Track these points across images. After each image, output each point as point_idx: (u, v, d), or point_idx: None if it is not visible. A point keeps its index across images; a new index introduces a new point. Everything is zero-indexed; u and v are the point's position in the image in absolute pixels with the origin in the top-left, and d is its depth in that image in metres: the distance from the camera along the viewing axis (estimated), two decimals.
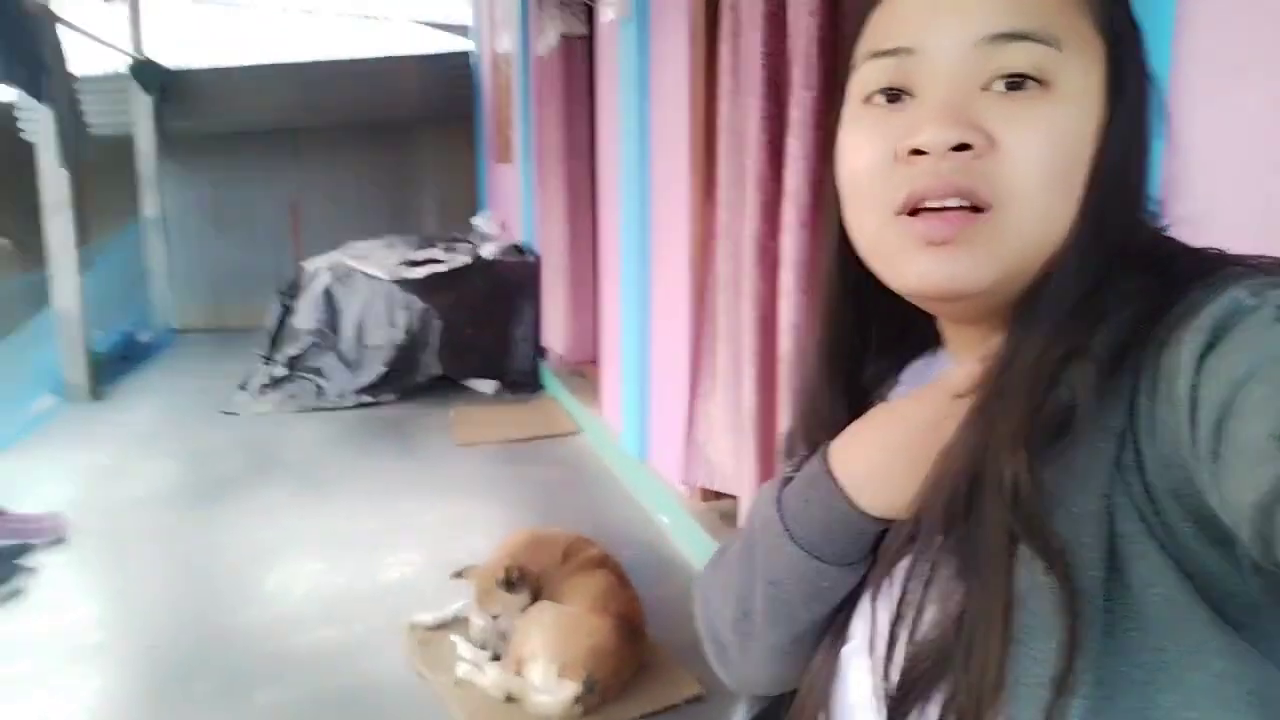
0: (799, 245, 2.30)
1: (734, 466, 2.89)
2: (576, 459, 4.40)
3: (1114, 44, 0.53)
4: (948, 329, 0.64)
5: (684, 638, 2.66)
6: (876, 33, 0.56)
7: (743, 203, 2.68)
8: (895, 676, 0.55)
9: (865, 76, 0.56)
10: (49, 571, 3.19)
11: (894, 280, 0.56)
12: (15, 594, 2.99)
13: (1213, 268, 0.49)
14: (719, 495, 3.16)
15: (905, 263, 0.54)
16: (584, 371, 5.20)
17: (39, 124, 5.23)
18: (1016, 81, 0.51)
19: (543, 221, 5.49)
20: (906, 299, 0.58)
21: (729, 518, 3.11)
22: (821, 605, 0.61)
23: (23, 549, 3.20)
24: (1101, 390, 0.48)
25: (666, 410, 3.57)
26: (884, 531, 0.60)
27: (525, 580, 2.50)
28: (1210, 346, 0.43)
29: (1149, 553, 0.46)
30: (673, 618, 2.76)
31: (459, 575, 2.61)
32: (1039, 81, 0.51)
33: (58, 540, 3.40)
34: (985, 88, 0.52)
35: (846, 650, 0.62)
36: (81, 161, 5.30)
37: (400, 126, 8.37)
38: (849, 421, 0.62)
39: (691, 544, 3.21)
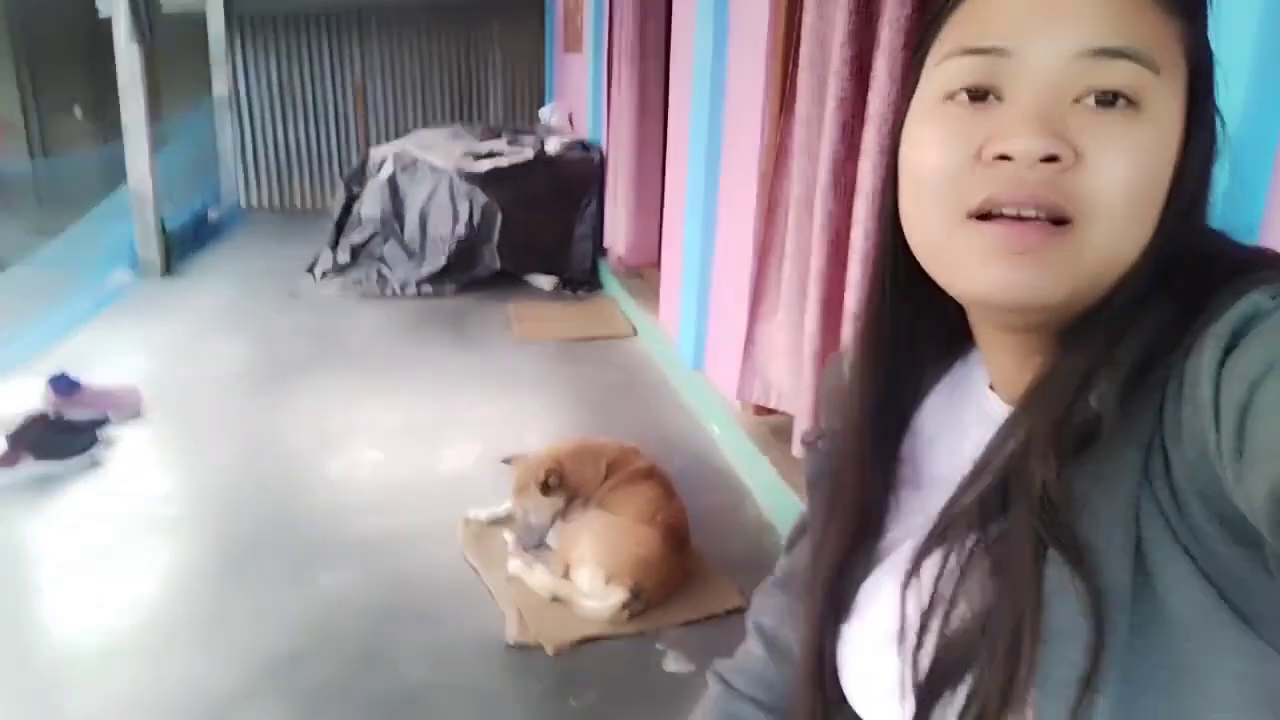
0: (877, 173, 2.23)
1: (792, 385, 2.87)
2: (631, 362, 4.42)
3: (1196, 73, 0.53)
4: (984, 334, 0.63)
5: (728, 549, 2.72)
6: (969, 26, 0.54)
7: (821, 120, 2.58)
8: (924, 666, 0.56)
9: (950, 71, 0.54)
10: (126, 444, 3.36)
11: (959, 283, 0.55)
12: (93, 465, 3.15)
13: (1242, 272, 0.49)
14: (772, 411, 3.16)
15: (977, 268, 0.53)
16: (643, 274, 5.17)
17: (114, 1, 5.22)
18: (1108, 99, 0.50)
19: (611, 119, 5.37)
20: (959, 300, 0.57)
21: (780, 432, 3.11)
22: None
23: (101, 421, 3.36)
24: (1127, 399, 0.49)
25: (725, 321, 3.55)
26: None
27: (562, 486, 2.56)
28: (1230, 349, 0.44)
29: (1174, 557, 0.47)
30: (718, 528, 2.81)
31: (508, 461, 2.71)
32: (1130, 101, 0.50)
33: (134, 414, 3.56)
34: (1077, 100, 0.51)
35: (867, 641, 0.63)
36: (154, 38, 5.30)
37: (469, 9, 8.19)
38: (875, 415, 0.66)
39: (740, 456, 3.23)
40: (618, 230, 5.32)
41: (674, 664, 2.25)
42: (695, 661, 2.25)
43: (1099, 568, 0.48)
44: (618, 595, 2.31)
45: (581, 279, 5.65)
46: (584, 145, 5.97)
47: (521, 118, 8.21)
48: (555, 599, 2.40)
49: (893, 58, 2.13)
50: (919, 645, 0.57)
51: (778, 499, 2.87)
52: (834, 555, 0.67)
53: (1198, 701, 0.46)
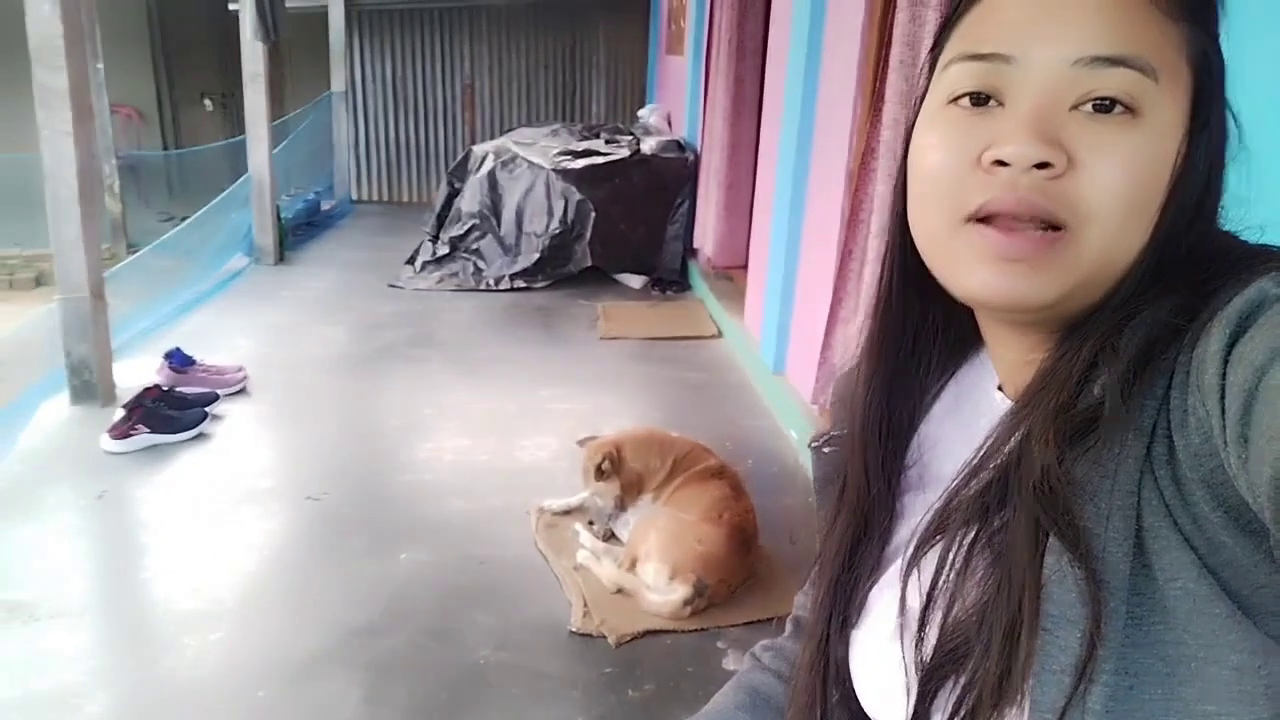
0: None
1: None
2: (715, 363, 4.44)
3: (1201, 78, 0.53)
4: (990, 330, 0.64)
5: (798, 552, 2.72)
6: (973, 33, 0.55)
7: (909, 123, 2.55)
8: (925, 657, 0.57)
9: (955, 77, 0.55)
10: (230, 419, 3.57)
11: (954, 283, 0.57)
12: (201, 438, 3.36)
13: (1249, 263, 0.49)
14: None
15: (971, 270, 0.55)
16: (731, 276, 5.18)
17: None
18: (1105, 105, 0.51)
19: (706, 119, 5.40)
20: (957, 299, 0.59)
21: None
22: None
23: (210, 397, 3.57)
24: (1130, 387, 0.49)
25: (807, 326, 3.54)
26: None
27: (617, 472, 2.62)
28: (1236, 336, 0.44)
29: (1174, 546, 0.47)
30: (789, 531, 2.81)
31: (582, 443, 2.80)
32: (1129, 108, 0.51)
33: (240, 391, 3.77)
34: (1075, 107, 0.51)
35: (869, 637, 0.65)
36: (278, 35, 5.59)
37: (574, 9, 8.34)
38: (881, 417, 0.67)
39: None
40: (707, 231, 5.34)
41: (734, 662, 2.26)
42: None
43: (1098, 555, 0.48)
44: (681, 591, 2.34)
45: (670, 279, 5.70)
46: (680, 145, 6.01)
47: (622, 118, 8.31)
48: (620, 591, 2.45)
49: None
50: (920, 638, 0.58)
51: None
52: (839, 556, 0.69)
53: (1193, 693, 0.46)
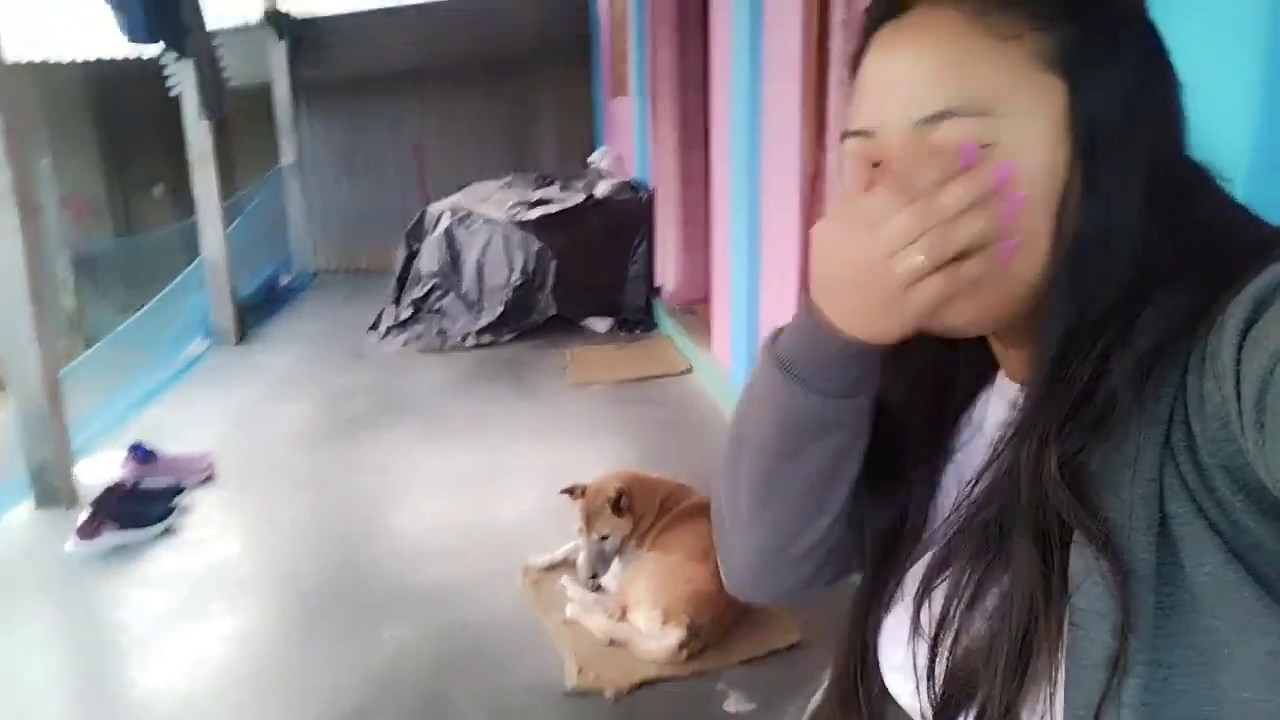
0: None
1: None
2: (688, 398, 4.41)
3: (1072, 77, 0.54)
4: (999, 350, 0.66)
5: None
6: (851, 109, 0.61)
7: None
8: (939, 690, 0.58)
9: (848, 148, 0.61)
10: (200, 509, 3.47)
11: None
12: (169, 531, 3.26)
13: (1264, 248, 0.49)
14: None
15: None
16: (696, 310, 5.17)
17: (182, 79, 5.51)
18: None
19: (656, 157, 5.43)
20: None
21: None
22: (798, 442, 0.63)
23: (176, 489, 3.48)
24: (1144, 376, 0.50)
25: None
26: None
27: (631, 507, 2.56)
28: (1252, 321, 0.44)
29: (1198, 532, 0.47)
30: None
31: (569, 491, 2.69)
32: (983, 145, 0.53)
33: (208, 479, 3.68)
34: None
35: (890, 665, 0.66)
36: (224, 113, 5.56)
37: (518, 63, 8.40)
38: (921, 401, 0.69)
39: None
40: (668, 268, 5.34)
41: (735, 704, 2.21)
42: (756, 700, 2.20)
43: (1123, 546, 0.48)
44: (675, 634, 2.29)
45: (636, 319, 5.68)
46: (633, 186, 6.04)
47: (574, 164, 8.35)
48: (613, 642, 2.38)
49: None
50: (931, 671, 0.59)
51: None
52: (879, 540, 0.69)
53: (1227, 680, 0.46)
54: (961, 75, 0.54)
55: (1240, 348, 0.44)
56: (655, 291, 5.73)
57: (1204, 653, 0.47)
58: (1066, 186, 0.54)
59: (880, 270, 0.53)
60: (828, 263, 0.57)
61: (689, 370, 4.77)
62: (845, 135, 0.61)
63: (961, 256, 0.53)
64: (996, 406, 0.65)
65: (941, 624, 0.58)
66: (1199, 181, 0.57)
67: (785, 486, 0.66)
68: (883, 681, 0.67)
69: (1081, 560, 0.50)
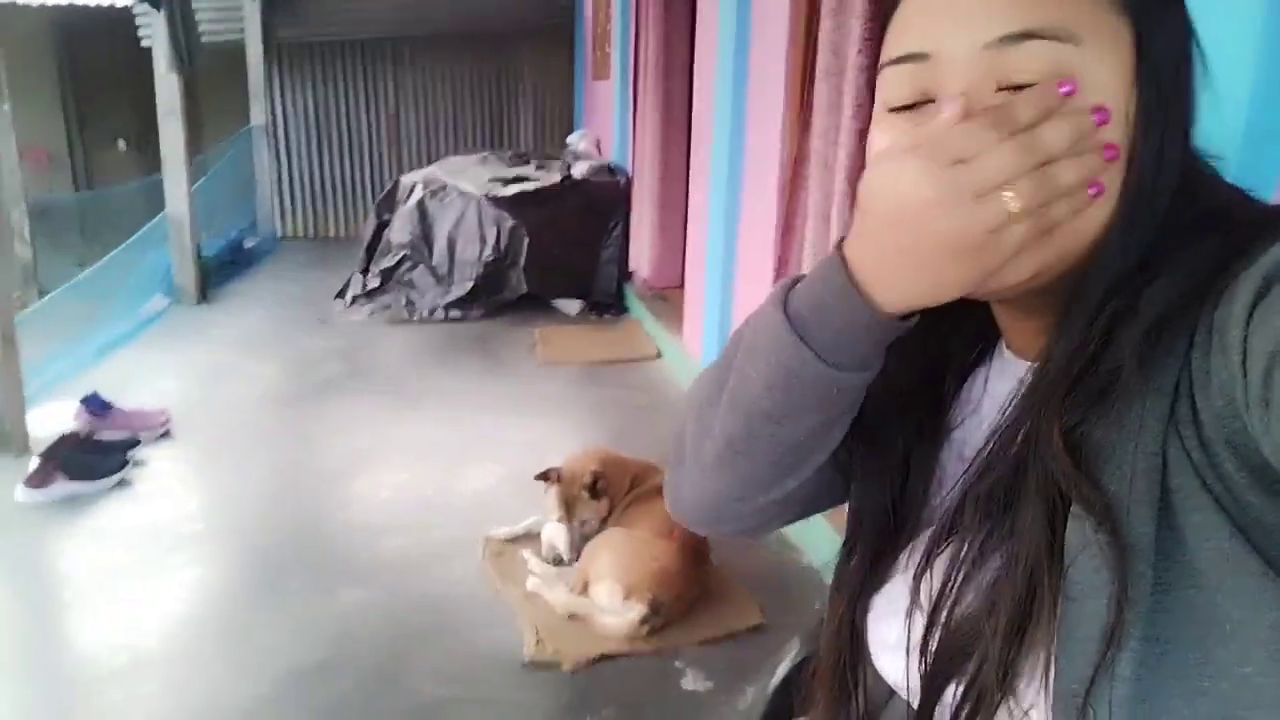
0: None
1: None
2: (656, 384, 4.41)
3: (1141, 24, 0.52)
4: (1007, 323, 0.63)
5: (748, 565, 2.69)
6: (894, 37, 0.56)
7: (838, 130, 2.57)
8: (930, 662, 0.57)
9: (888, 82, 0.56)
10: (155, 464, 3.40)
11: None
12: (123, 484, 3.19)
13: (1274, 223, 0.49)
14: None
15: None
16: (667, 296, 5.17)
17: (154, 30, 5.37)
18: (1019, 86, 0.50)
19: (636, 141, 5.41)
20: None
21: None
22: (790, 408, 0.58)
23: (131, 442, 3.41)
24: (1149, 349, 0.49)
25: None
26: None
27: (606, 488, 2.56)
28: (1261, 296, 0.43)
29: (1203, 506, 0.46)
30: (740, 546, 2.77)
31: (544, 477, 2.68)
32: (1068, 76, 0.50)
33: (164, 435, 3.61)
34: (1001, 89, 0.51)
35: (881, 643, 0.64)
36: (194, 68, 5.43)
37: (499, 39, 8.32)
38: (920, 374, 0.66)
39: None
40: (642, 252, 5.33)
41: (693, 682, 2.22)
42: (714, 680, 2.22)
43: (1121, 519, 0.47)
44: (636, 610, 2.29)
45: (607, 302, 5.67)
46: (611, 169, 6.01)
47: (551, 144, 8.29)
48: (573, 616, 2.38)
49: None
50: (925, 644, 0.57)
51: None
52: (877, 515, 0.67)
53: (1229, 655, 0.45)
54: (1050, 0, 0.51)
55: (1248, 323, 0.43)
56: (628, 276, 5.72)
57: (1203, 627, 0.46)
58: (1133, 138, 0.51)
59: (965, 212, 0.47)
60: (889, 203, 0.49)
61: (658, 356, 4.77)
62: (885, 64, 0.56)
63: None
64: (997, 385, 0.63)
65: (941, 595, 0.56)
66: (1199, 157, 0.56)
67: (763, 447, 0.61)
68: (870, 661, 0.66)
69: (1079, 532, 0.49)
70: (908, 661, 0.59)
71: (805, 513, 0.72)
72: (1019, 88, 0.50)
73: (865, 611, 0.66)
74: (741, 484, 0.65)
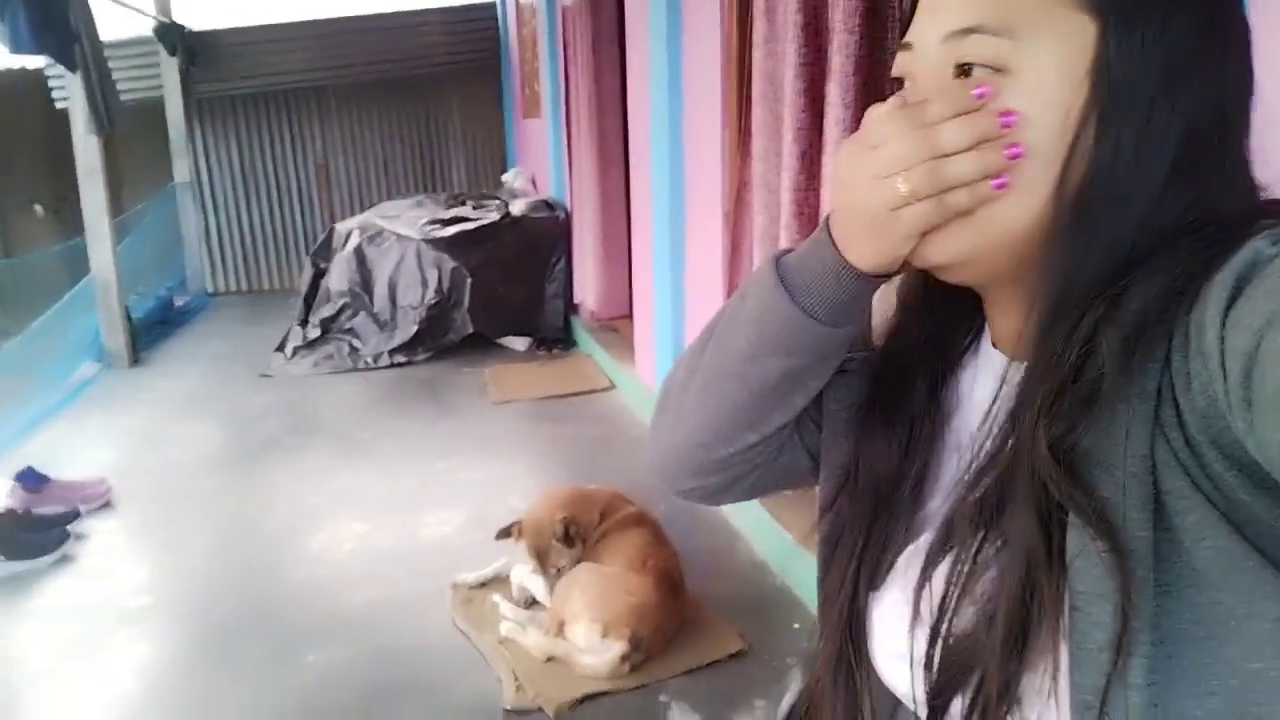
0: None
1: None
2: (611, 415, 4.39)
3: (1105, 21, 0.53)
4: (991, 315, 0.65)
5: (723, 591, 2.67)
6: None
7: (779, 153, 2.60)
8: (934, 675, 0.57)
9: (894, 63, 0.62)
10: (97, 537, 3.26)
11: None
12: (66, 560, 3.05)
13: (1246, 221, 0.49)
14: None
15: None
16: (616, 327, 5.17)
17: (71, 92, 5.23)
18: (966, 69, 0.55)
19: (573, 175, 5.42)
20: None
21: None
22: (759, 349, 0.63)
23: (71, 515, 3.26)
24: (1130, 355, 0.49)
25: None
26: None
27: (579, 532, 2.50)
28: (1234, 298, 0.44)
29: (1197, 506, 0.46)
30: (711, 572, 2.75)
31: (506, 534, 2.60)
32: (997, 69, 0.54)
33: (105, 505, 3.46)
34: (956, 75, 0.56)
35: (885, 652, 0.64)
36: (117, 127, 5.29)
37: (426, 83, 8.29)
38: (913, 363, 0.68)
39: None
40: (587, 285, 5.33)
41: (680, 715, 2.18)
42: (701, 710, 2.18)
43: (1118, 525, 0.47)
44: (616, 647, 2.24)
45: (555, 337, 5.64)
46: (549, 205, 6.01)
47: (485, 184, 8.27)
48: (551, 659, 2.32)
49: (845, 84, 2.15)
50: (929, 658, 0.57)
51: (770, 539, 2.82)
52: (868, 509, 0.67)
53: (1236, 652, 0.45)
54: None
55: (1224, 325, 0.44)
56: (574, 309, 5.70)
57: (1208, 627, 0.46)
58: (1078, 137, 0.52)
59: (870, 190, 0.54)
60: (838, 179, 0.58)
61: (611, 387, 4.75)
62: (896, 48, 0.62)
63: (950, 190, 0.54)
64: (984, 377, 0.64)
65: (941, 609, 0.57)
66: (1229, 153, 0.55)
67: (730, 388, 0.66)
68: (873, 672, 0.66)
69: (1078, 541, 0.49)
70: (912, 674, 0.59)
71: (766, 482, 0.76)
72: (964, 66, 0.55)
73: (864, 617, 0.66)
74: (705, 429, 0.70)
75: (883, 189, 0.54)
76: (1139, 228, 0.53)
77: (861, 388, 0.71)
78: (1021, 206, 0.54)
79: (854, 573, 0.66)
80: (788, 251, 0.64)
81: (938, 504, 0.64)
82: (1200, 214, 0.53)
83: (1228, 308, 0.44)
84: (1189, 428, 0.47)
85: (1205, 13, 0.54)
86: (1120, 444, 0.49)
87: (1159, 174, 0.53)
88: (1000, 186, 0.53)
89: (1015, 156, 0.52)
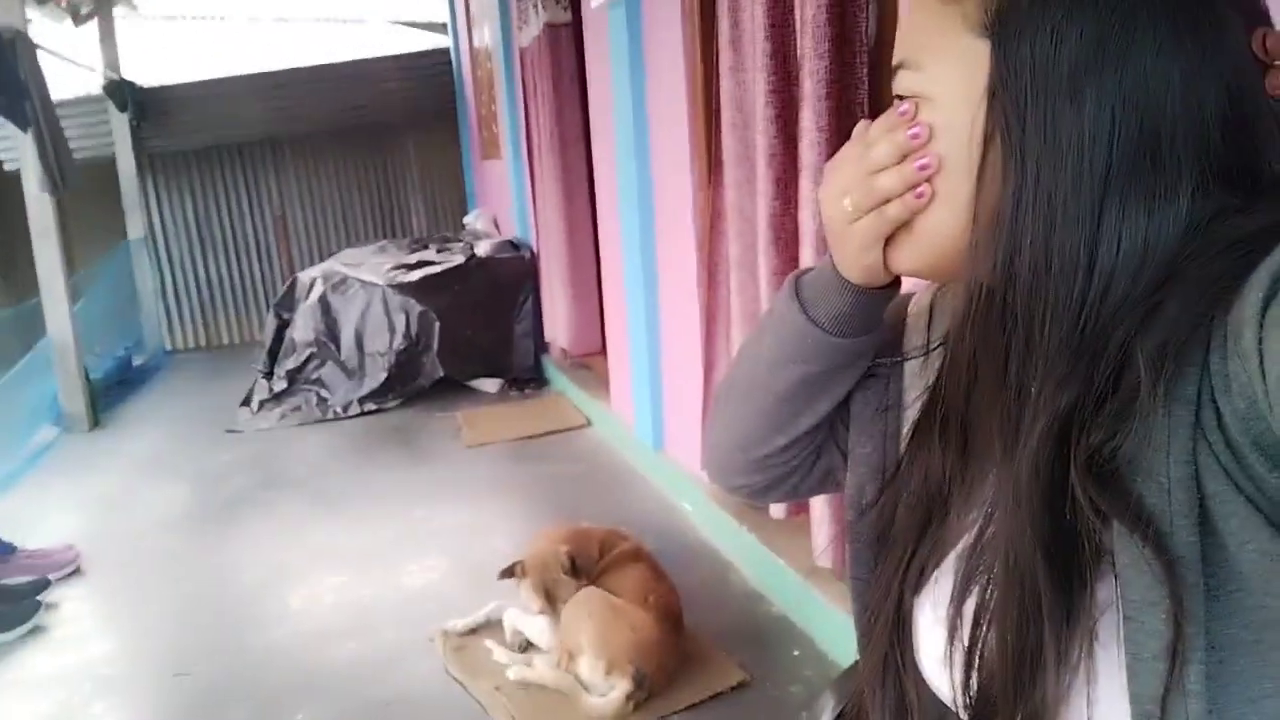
0: (818, 220, 2.25)
1: None
2: (589, 452, 4.35)
3: (996, 39, 0.55)
4: None
5: (720, 622, 2.63)
6: None
7: (753, 180, 2.62)
8: (972, 701, 0.58)
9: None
10: (69, 605, 3.14)
11: None
12: (37, 631, 2.93)
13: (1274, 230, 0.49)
14: None
15: None
16: (588, 364, 5.14)
17: (21, 152, 5.13)
18: (898, 98, 0.61)
19: (538, 215, 5.42)
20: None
21: None
22: (779, 357, 0.72)
23: (42, 585, 3.14)
24: (1165, 360, 0.49)
25: (681, 397, 3.52)
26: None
27: (583, 565, 2.44)
28: (1270, 297, 0.44)
29: (1239, 510, 0.46)
30: (707, 604, 2.72)
31: (509, 573, 2.49)
32: (920, 97, 0.59)
33: (75, 573, 3.34)
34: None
35: (930, 656, 0.64)
36: (69, 186, 5.19)
37: (382, 129, 8.27)
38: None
39: (716, 528, 3.16)
40: (558, 323, 5.30)
41: None
42: None
43: (1166, 533, 0.47)
44: (621, 686, 2.19)
45: (526, 377, 5.59)
46: (514, 245, 6.00)
47: (446, 228, 8.24)
48: (559, 691, 2.26)
49: (817, 108, 2.18)
50: (968, 669, 0.58)
51: (763, 566, 2.80)
52: (919, 508, 0.67)
53: None
54: (914, 32, 0.61)
55: (1261, 324, 0.44)
56: (544, 348, 5.67)
57: (1257, 631, 0.46)
58: (986, 150, 0.55)
59: (830, 207, 0.64)
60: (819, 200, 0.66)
61: (586, 424, 4.71)
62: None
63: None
64: None
65: (972, 640, 0.58)
66: (1189, 155, 0.52)
67: (758, 394, 0.75)
68: (918, 667, 0.66)
69: (1127, 552, 0.49)
70: (954, 695, 0.59)
71: (810, 484, 0.82)
72: (895, 97, 0.61)
73: (910, 622, 0.66)
74: (739, 430, 0.79)
75: (838, 206, 0.63)
76: (1072, 235, 0.52)
77: (884, 391, 0.74)
78: (949, 215, 0.58)
79: (900, 579, 0.67)
80: (809, 270, 0.72)
81: (976, 515, 0.63)
82: (1212, 217, 0.52)
83: (1265, 308, 0.44)
84: (1229, 430, 0.47)
85: (1111, 18, 0.52)
86: (1163, 450, 0.48)
87: (1083, 180, 0.52)
88: (919, 196, 0.59)
89: (924, 168, 0.58)
